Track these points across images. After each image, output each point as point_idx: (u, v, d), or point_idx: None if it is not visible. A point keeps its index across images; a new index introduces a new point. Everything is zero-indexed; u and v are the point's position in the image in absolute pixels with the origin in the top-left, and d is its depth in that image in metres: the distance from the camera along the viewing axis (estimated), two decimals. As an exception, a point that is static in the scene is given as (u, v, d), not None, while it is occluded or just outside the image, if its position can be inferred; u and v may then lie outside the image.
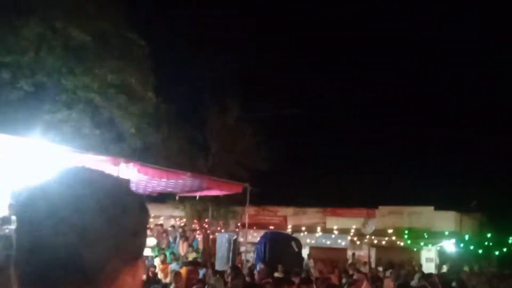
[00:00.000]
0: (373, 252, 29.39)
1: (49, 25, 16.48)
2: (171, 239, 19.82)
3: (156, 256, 16.43)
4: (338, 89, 35.43)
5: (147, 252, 15.99)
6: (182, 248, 18.60)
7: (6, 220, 11.92)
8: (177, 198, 19.66)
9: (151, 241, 17.06)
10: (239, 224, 25.98)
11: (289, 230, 27.38)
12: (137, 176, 14.15)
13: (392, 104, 36.18)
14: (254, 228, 25.25)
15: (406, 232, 27.12)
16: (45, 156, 12.41)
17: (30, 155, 12.26)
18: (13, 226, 12.04)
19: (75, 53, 17.10)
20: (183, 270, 14.06)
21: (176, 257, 16.55)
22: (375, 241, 28.85)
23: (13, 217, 12.33)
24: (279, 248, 15.22)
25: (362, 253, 28.56)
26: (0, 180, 15.73)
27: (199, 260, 17.36)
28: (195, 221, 25.36)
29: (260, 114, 27.57)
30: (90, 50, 17.24)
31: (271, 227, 26.88)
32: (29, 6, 16.12)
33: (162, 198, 22.34)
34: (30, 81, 16.69)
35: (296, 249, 15.80)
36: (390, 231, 27.51)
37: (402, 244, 28.02)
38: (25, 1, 16.29)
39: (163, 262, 15.66)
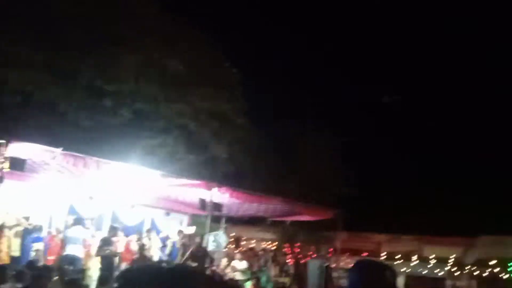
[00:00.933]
0: (473, 284, 27.63)
1: (145, 56, 17.37)
2: (262, 262, 19.84)
3: (248, 280, 16.46)
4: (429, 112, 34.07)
5: (238, 276, 16.09)
6: (273, 272, 18.53)
7: (106, 241, 12.52)
8: (268, 221, 19.70)
9: (242, 264, 17.13)
10: (330, 250, 25.52)
11: (383, 257, 26.50)
12: (229, 200, 14.38)
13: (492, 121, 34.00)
14: (347, 254, 24.67)
15: (511, 264, 25.27)
16: (143, 180, 12.97)
17: (129, 179, 12.85)
18: (113, 247, 12.66)
19: (170, 81, 17.85)
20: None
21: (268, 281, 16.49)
22: (476, 272, 27.13)
23: (114, 239, 12.96)
24: (373, 277, 14.64)
25: (463, 283, 26.99)
26: (103, 203, 16.63)
27: (290, 285, 17.20)
28: (286, 245, 25.26)
29: (348, 139, 27.19)
30: (184, 78, 17.93)
31: (364, 254, 26.17)
32: (126, 37, 17.09)
33: (254, 221, 22.51)
34: (130, 108, 17.60)
35: (391, 279, 15.09)
36: (492, 262, 25.77)
37: (506, 276, 26.12)
38: (122, 33, 17.27)
39: (256, 286, 15.65)
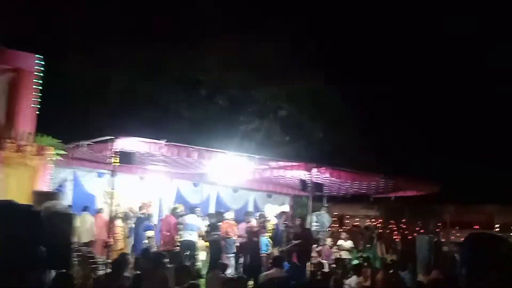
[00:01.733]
0: None
1: (236, 42, 17.60)
2: (367, 240, 19.58)
3: (355, 258, 16.34)
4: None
5: (344, 255, 16.01)
6: (380, 250, 18.23)
7: (214, 226, 12.97)
8: (371, 199, 19.36)
9: (348, 243, 17.02)
10: (439, 224, 24.64)
11: (496, 229, 25.15)
12: (329, 179, 14.32)
13: None
14: (456, 228, 23.71)
15: None
16: (243, 165, 13.24)
17: (230, 165, 13.18)
18: (220, 232, 13.10)
19: (263, 65, 17.98)
20: (381, 274, 13.72)
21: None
22: None
23: (219, 224, 13.39)
24: (486, 251, 13.89)
25: None
26: (207, 189, 17.24)
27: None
28: (391, 221, 24.74)
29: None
30: (276, 60, 17.98)
31: (475, 226, 24.97)
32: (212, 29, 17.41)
33: (356, 198, 22.23)
34: (225, 96, 18.02)
35: (508, 252, 14.21)
36: None
37: None
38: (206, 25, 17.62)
39: (363, 264, 15.47)
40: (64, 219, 9.16)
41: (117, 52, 17.55)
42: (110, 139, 11.01)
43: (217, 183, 16.88)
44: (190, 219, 13.17)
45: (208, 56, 17.61)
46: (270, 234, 14.32)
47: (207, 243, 13.38)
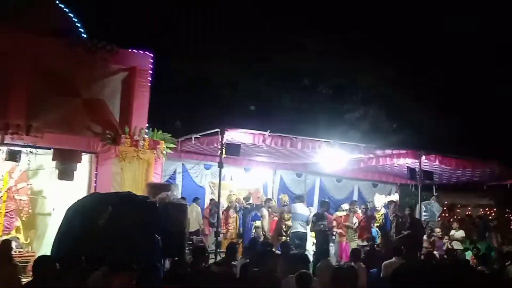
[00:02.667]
0: None
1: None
2: (481, 230, 18.57)
3: (467, 249, 15.57)
4: None
5: (456, 245, 15.30)
6: (495, 240, 17.24)
7: (320, 216, 12.92)
8: (485, 187, 18.31)
9: (459, 233, 16.24)
10: None
11: None
12: (439, 167, 13.74)
13: None
14: None
15: None
16: (348, 153, 13.06)
17: (334, 154, 13.05)
18: (326, 222, 13.03)
19: (365, 52, 17.60)
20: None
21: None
22: None
23: (326, 213, 13.33)
24: None
25: None
26: (311, 179, 17.21)
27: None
28: (507, 210, 23.25)
29: None
30: (375, 47, 17.51)
31: None
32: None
33: (468, 186, 21.12)
34: (328, 84, 17.86)
35: None
36: None
37: None
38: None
39: (476, 255, 14.71)
40: (178, 210, 9.59)
41: (221, 47, 18.00)
42: (218, 131, 11.32)
43: (320, 172, 16.81)
44: (300, 208, 13.21)
45: (310, 45, 17.55)
46: (378, 224, 14.02)
47: (313, 233, 13.38)
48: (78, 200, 8.68)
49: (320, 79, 17.70)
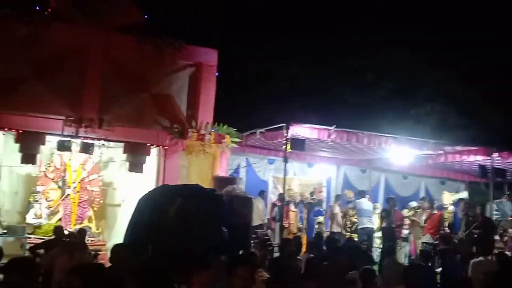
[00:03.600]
0: None
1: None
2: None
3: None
4: None
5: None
6: None
7: (386, 213, 12.70)
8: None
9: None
10: None
11: None
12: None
13: None
14: None
15: None
16: (414, 150, 12.74)
17: (400, 150, 12.77)
18: (392, 218, 12.77)
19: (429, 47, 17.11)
20: None
21: None
22: None
23: (393, 210, 13.07)
24: None
25: None
26: (376, 175, 16.92)
27: None
28: None
29: None
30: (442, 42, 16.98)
31: None
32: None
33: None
34: (392, 80, 17.49)
35: None
36: None
37: None
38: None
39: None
40: (244, 203, 9.69)
41: (283, 43, 18.00)
42: (282, 126, 11.34)
43: (386, 169, 16.50)
44: (365, 204, 13.03)
45: (373, 39, 17.24)
46: (447, 222, 13.61)
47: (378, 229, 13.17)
48: (149, 191, 8.93)
49: (385, 74, 17.34)
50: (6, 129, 10.76)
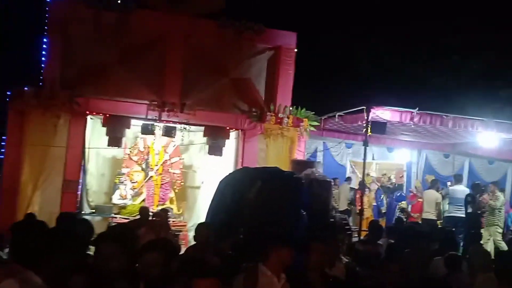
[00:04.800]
0: None
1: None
2: None
3: None
4: None
5: None
6: None
7: (473, 199, 12.17)
8: None
9: None
10: None
11: None
12: None
13: None
14: None
15: None
16: (502, 133, 12.12)
17: (487, 133, 12.19)
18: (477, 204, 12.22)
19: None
20: None
21: None
22: None
23: (479, 196, 12.49)
24: None
25: None
26: (459, 160, 16.26)
27: None
28: None
29: None
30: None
31: None
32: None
33: None
34: (479, 60, 16.65)
35: None
36: None
37: None
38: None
39: None
40: (323, 186, 9.65)
41: (364, 24, 17.60)
42: (363, 109, 11.12)
43: (470, 153, 15.79)
44: (460, 192, 12.45)
45: (458, 18, 16.44)
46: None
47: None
48: (229, 174, 9.09)
49: (471, 54, 16.51)
50: (94, 113, 11.27)
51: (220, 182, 8.71)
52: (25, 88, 10.63)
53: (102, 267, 3.25)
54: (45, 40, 11.05)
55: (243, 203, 7.88)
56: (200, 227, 5.83)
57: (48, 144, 10.62)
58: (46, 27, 11.10)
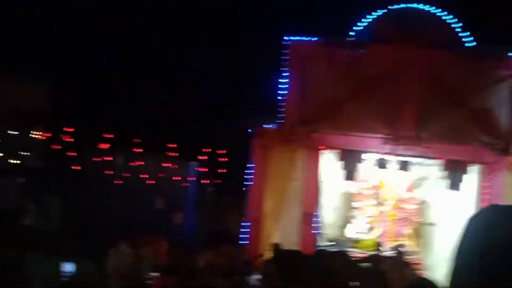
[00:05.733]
0: None
1: None
2: None
3: None
4: None
5: None
6: None
7: None
8: None
9: None
10: None
11: None
12: None
13: None
14: None
15: None
16: None
17: None
18: None
19: None
20: None
21: None
22: None
23: None
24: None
25: None
26: None
27: None
28: None
29: None
30: None
31: None
32: None
33: None
34: None
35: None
36: None
37: None
38: None
39: None
40: None
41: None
42: None
43: None
44: None
45: None
46: None
47: None
48: (478, 212, 8.40)
49: None
50: (328, 147, 11.53)
51: (469, 222, 8.07)
52: (267, 126, 11.38)
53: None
54: (283, 79, 11.74)
55: (501, 250, 7.12)
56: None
57: (287, 177, 11.15)
58: (284, 67, 11.80)
